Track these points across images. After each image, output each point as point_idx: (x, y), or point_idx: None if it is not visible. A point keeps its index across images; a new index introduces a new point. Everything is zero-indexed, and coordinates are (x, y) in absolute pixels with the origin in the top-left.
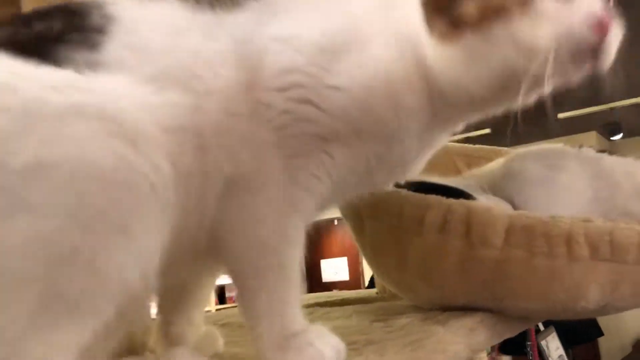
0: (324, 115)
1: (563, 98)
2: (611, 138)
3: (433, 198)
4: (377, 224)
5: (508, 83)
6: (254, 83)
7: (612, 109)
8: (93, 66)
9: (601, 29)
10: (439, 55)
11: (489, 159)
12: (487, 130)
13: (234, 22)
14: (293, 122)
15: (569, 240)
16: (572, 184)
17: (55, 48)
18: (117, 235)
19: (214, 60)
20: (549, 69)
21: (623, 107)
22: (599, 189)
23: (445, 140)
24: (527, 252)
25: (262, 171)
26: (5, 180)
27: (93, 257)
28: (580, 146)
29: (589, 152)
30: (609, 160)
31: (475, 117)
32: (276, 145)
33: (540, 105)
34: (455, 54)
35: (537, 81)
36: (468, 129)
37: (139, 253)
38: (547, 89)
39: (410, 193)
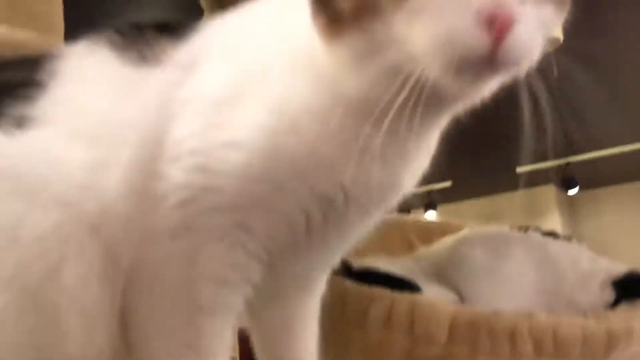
0: (227, 180)
1: (521, 152)
2: (569, 191)
3: (377, 291)
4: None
5: (403, 87)
6: (156, 156)
7: (568, 163)
8: (24, 119)
9: (497, 28)
10: (330, 57)
11: (442, 233)
12: (447, 184)
13: (153, 81)
14: (194, 196)
15: (512, 336)
16: (518, 273)
17: (4, 99)
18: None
19: (121, 128)
20: (441, 76)
21: (579, 162)
22: (545, 278)
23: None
24: (471, 348)
25: (156, 268)
26: None
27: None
28: (527, 229)
29: (536, 236)
30: (554, 246)
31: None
32: (177, 234)
33: (499, 159)
34: (343, 54)
35: (438, 88)
36: (429, 181)
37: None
38: (453, 100)
39: (355, 285)
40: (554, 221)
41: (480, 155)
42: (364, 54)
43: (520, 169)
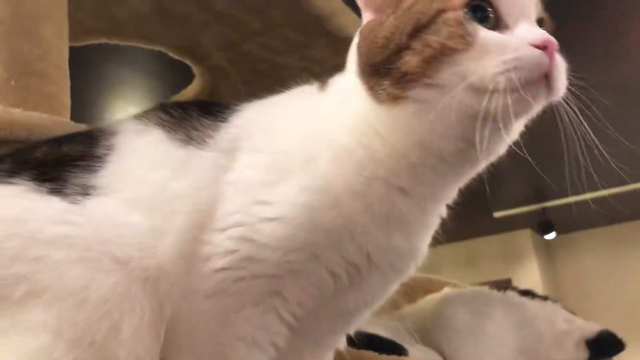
0: (269, 251)
1: (499, 197)
2: (545, 235)
3: (366, 353)
4: None
5: (468, 126)
6: (205, 225)
7: (544, 208)
8: (88, 188)
9: (547, 49)
10: (393, 120)
11: (425, 290)
12: None
13: (202, 162)
14: (237, 263)
15: None
16: (498, 333)
17: (69, 170)
18: (104, 349)
19: (174, 199)
20: (506, 98)
21: (555, 206)
22: (524, 338)
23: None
24: None
25: (191, 324)
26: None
27: None
28: (505, 288)
29: (513, 296)
30: (531, 306)
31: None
32: (213, 295)
33: (476, 204)
34: (409, 111)
35: (498, 115)
36: None
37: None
38: (508, 123)
39: (346, 348)
40: (531, 265)
41: (457, 199)
42: (432, 103)
43: (497, 214)
